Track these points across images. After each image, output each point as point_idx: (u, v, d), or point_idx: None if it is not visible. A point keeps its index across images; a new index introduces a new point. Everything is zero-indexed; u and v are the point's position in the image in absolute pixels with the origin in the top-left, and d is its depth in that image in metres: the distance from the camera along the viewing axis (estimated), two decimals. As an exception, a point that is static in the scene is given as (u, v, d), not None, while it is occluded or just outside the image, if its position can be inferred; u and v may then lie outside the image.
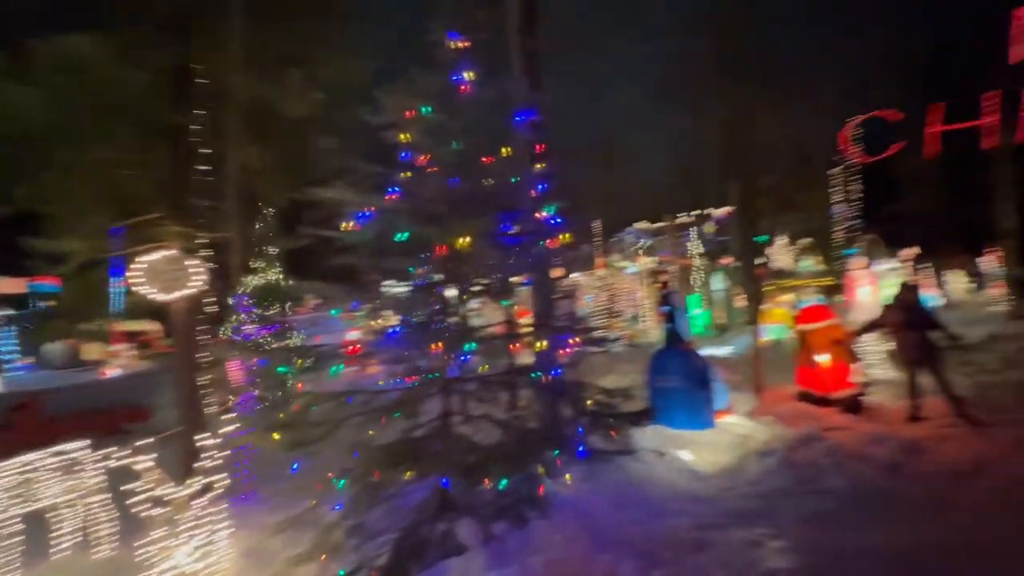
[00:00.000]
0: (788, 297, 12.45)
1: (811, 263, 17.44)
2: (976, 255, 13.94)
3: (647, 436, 5.55)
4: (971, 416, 5.44)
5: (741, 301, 11.44)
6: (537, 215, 4.40)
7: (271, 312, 10.45)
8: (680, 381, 5.78)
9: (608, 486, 4.70)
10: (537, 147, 4.63)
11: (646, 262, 19.14)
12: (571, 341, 4.49)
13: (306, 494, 4.20)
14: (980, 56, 10.33)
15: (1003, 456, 4.39)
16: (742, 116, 8.75)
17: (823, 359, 6.70)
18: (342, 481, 3.97)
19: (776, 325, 11.72)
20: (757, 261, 9.92)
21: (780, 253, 16.70)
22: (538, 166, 4.58)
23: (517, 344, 4.33)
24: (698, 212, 18.18)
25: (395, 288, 4.52)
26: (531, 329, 4.74)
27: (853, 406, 6.37)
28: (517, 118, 4.64)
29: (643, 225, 31.48)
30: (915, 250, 13.98)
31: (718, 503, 4.43)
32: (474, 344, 4.07)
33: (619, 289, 17.84)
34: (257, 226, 11.17)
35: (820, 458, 4.72)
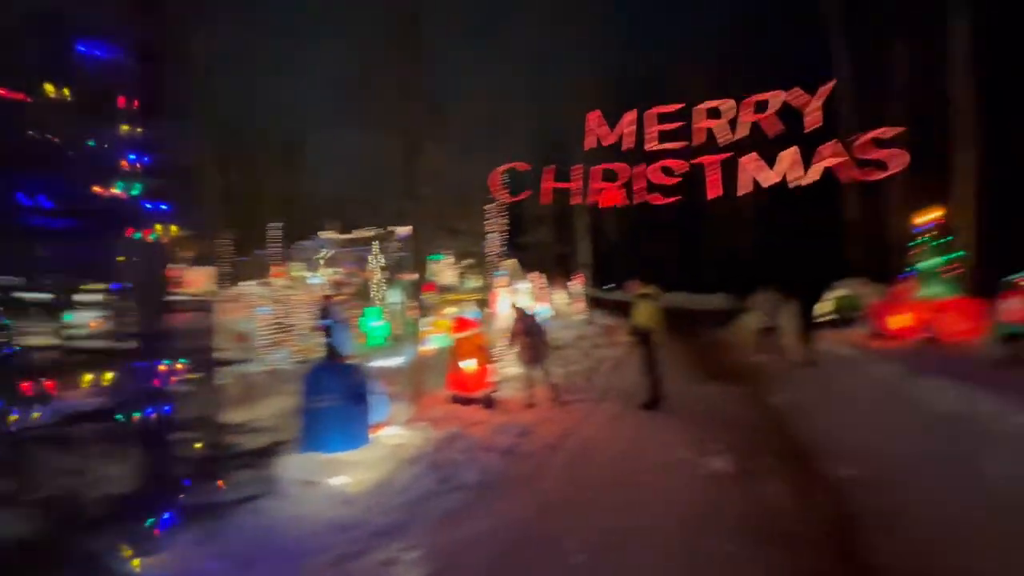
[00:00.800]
0: (452, 310, 14.04)
1: (472, 281, 20.45)
2: (569, 279, 19.76)
3: (295, 466, 4.97)
4: (561, 399, 7.29)
5: (413, 313, 12.30)
6: (113, 193, 3.24)
7: None
8: (333, 399, 5.43)
9: (236, 542, 3.87)
10: (122, 100, 3.41)
11: (329, 273, 18.28)
12: (176, 367, 3.47)
13: None
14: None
15: (577, 425, 5.91)
16: (416, 143, 9.35)
17: (468, 364, 7.61)
18: None
19: (441, 335, 12.95)
20: (427, 278, 10.69)
21: (446, 270, 18.96)
22: (126, 128, 3.39)
23: (84, 375, 3.04)
24: (382, 228, 18.67)
25: None
26: (111, 352, 3.46)
27: (489, 402, 7.41)
28: (82, 48, 3.31)
29: (331, 234, 30.30)
30: (540, 274, 18.16)
31: (364, 525, 4.26)
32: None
33: (297, 301, 16.34)
34: None
35: (458, 455, 5.25)
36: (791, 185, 12.60)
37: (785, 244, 23.12)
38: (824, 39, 17.62)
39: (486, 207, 23.19)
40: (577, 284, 17.73)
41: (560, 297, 18.70)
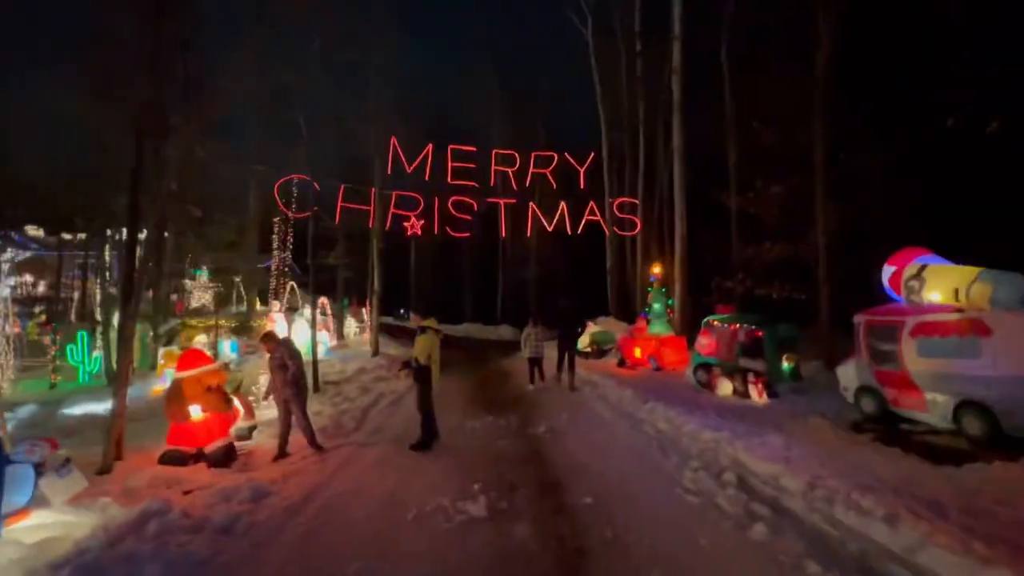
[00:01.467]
0: (202, 338, 11.80)
1: (240, 305, 17.71)
2: (362, 306, 18.73)
3: None
4: (318, 446, 6.10)
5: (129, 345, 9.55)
6: None
7: None
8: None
9: None
10: None
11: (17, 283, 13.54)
12: None
13: None
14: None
15: (331, 477, 5.19)
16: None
17: (194, 410, 5.92)
18: None
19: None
20: (173, 295, 8.69)
21: (200, 290, 15.97)
22: None
23: None
24: (108, 228, 14.68)
25: None
26: None
27: (220, 458, 5.80)
28: None
29: (35, 231, 22.70)
30: (327, 300, 16.78)
31: None
32: None
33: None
34: None
35: (144, 546, 3.66)
36: (569, 232, 14.87)
37: (562, 284, 26.70)
38: (596, 121, 21.37)
39: (275, 220, 20.76)
40: (368, 312, 16.88)
41: (351, 326, 17.63)
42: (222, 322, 13.71)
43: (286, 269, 19.14)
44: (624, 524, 3.83)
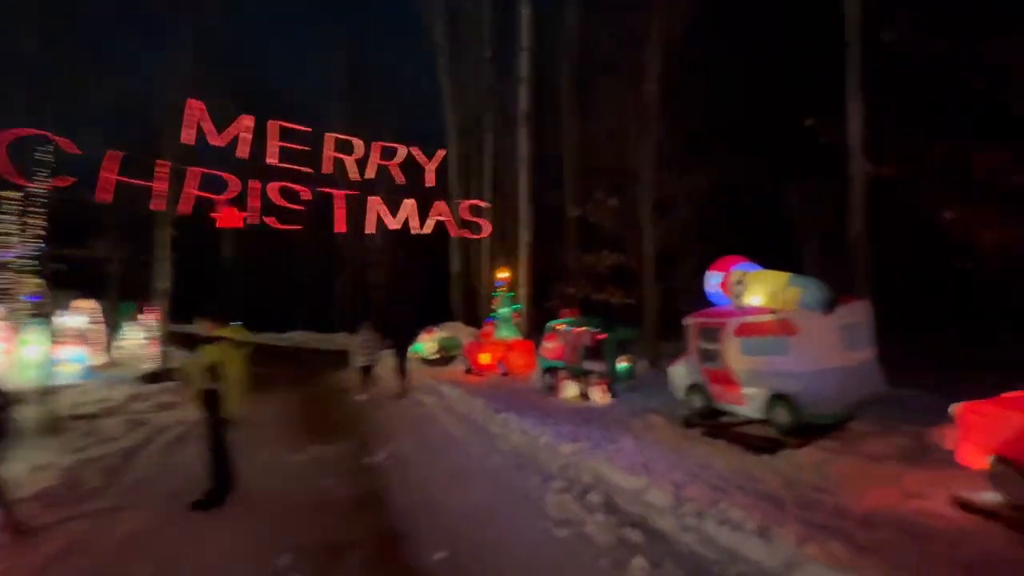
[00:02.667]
0: None
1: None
2: (143, 311, 14.74)
3: None
4: (18, 527, 3.91)
5: None
6: None
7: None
8: None
9: None
10: None
11: None
12: None
13: None
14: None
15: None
16: None
17: None
18: None
19: None
20: None
21: None
22: None
23: None
24: None
25: None
26: None
27: None
28: None
29: None
30: (91, 302, 12.85)
31: None
32: None
33: None
34: None
35: None
36: (413, 232, 13.87)
37: (407, 289, 25.36)
38: (442, 115, 20.73)
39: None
40: (152, 318, 13.32)
41: (135, 336, 13.82)
42: None
43: (29, 261, 14.26)
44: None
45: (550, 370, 9.99)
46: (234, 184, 9.33)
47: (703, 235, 11.24)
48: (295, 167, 10.74)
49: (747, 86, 13.20)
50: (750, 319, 5.96)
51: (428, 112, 22.18)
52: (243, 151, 9.46)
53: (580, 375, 9.38)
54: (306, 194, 10.96)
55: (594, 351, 9.44)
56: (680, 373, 7.17)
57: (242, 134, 9.53)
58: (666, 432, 6.64)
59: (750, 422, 6.34)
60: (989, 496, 3.65)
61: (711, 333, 6.53)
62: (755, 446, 5.81)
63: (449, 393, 9.53)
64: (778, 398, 5.73)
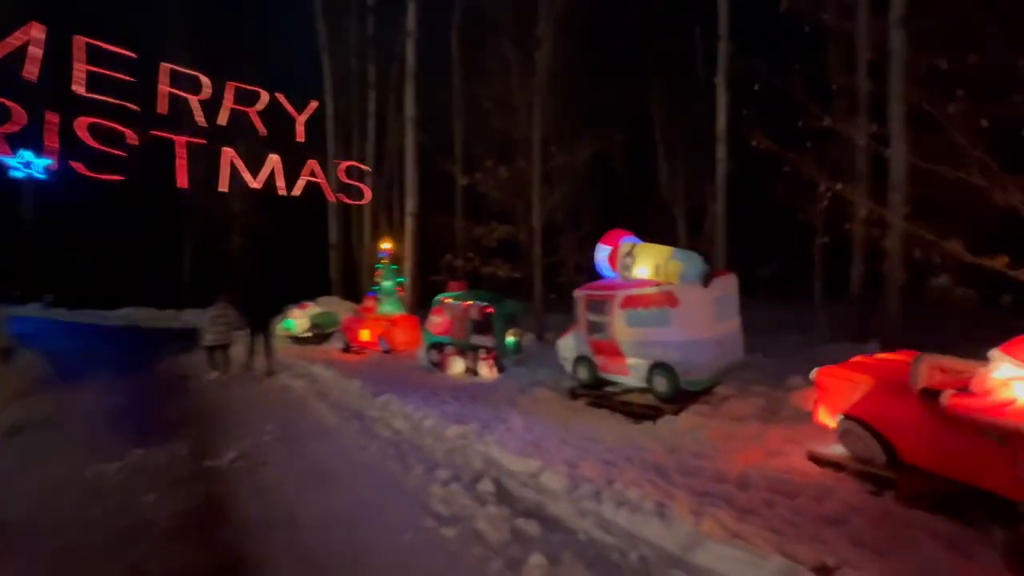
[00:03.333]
0: None
1: None
2: None
3: None
4: None
5: None
6: None
7: None
8: None
9: None
10: None
11: None
12: None
13: None
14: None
15: None
16: None
17: None
18: None
19: None
20: None
21: None
22: None
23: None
24: None
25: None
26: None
27: None
28: None
29: None
30: None
31: None
32: None
33: None
34: None
35: None
36: (281, 193, 12.13)
37: (276, 257, 22.61)
38: (319, 63, 18.42)
39: None
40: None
41: None
42: None
43: None
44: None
45: (436, 346, 9.50)
46: (18, 115, 7.05)
47: (585, 209, 11.52)
48: (116, 101, 8.55)
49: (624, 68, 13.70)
50: (635, 291, 6.04)
51: (303, 61, 19.44)
52: (31, 71, 7.18)
53: (467, 350, 9.04)
54: (132, 138, 8.83)
55: (482, 325, 9.14)
56: (568, 345, 7.15)
57: (31, 48, 7.22)
58: (554, 405, 6.59)
59: (631, 391, 6.54)
60: (837, 450, 4.04)
61: (598, 305, 6.55)
62: (637, 414, 6.00)
63: (322, 374, 8.54)
64: (659, 367, 5.93)
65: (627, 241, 6.44)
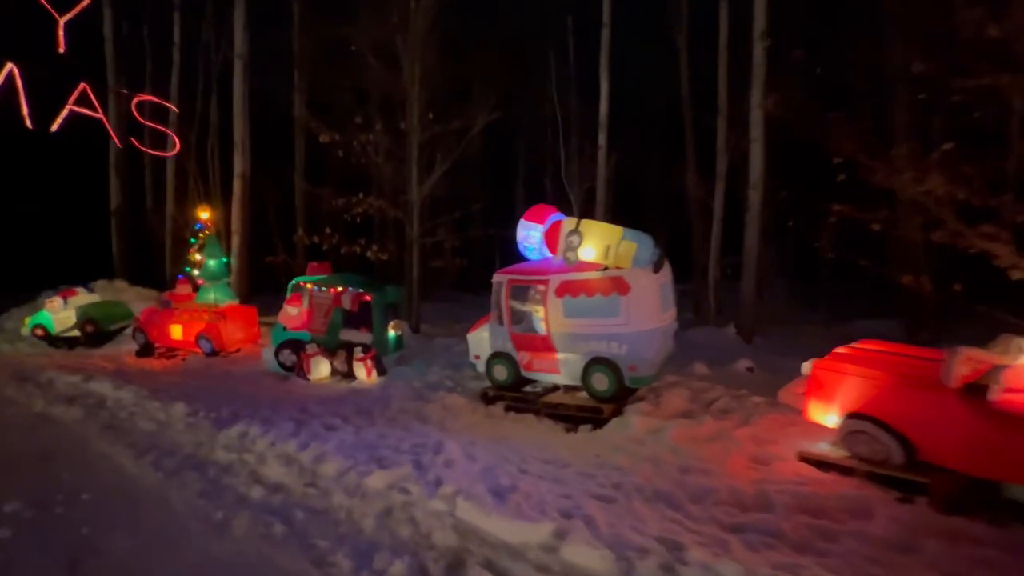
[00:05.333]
0: None
1: None
2: None
3: None
4: None
5: None
6: None
7: None
8: None
9: None
10: None
11: None
12: None
13: None
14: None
15: None
16: None
17: None
18: None
19: None
20: None
21: None
22: None
23: None
24: None
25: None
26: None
27: None
28: None
29: None
30: None
31: None
32: None
33: None
34: None
35: None
36: (30, 126, 8.12)
37: (17, 225, 16.02)
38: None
39: None
40: None
41: None
42: None
43: None
44: None
45: (291, 344, 7.35)
46: None
47: (471, 186, 10.35)
48: None
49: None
50: (575, 276, 5.15)
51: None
52: None
53: (337, 349, 7.16)
54: None
55: (356, 318, 7.34)
56: (480, 340, 5.95)
57: None
58: (471, 415, 5.37)
59: (551, 390, 5.69)
60: (824, 448, 3.74)
61: (525, 292, 5.50)
62: (572, 418, 5.16)
63: (112, 395, 5.72)
64: (596, 362, 5.17)
65: (554, 218, 5.51)
